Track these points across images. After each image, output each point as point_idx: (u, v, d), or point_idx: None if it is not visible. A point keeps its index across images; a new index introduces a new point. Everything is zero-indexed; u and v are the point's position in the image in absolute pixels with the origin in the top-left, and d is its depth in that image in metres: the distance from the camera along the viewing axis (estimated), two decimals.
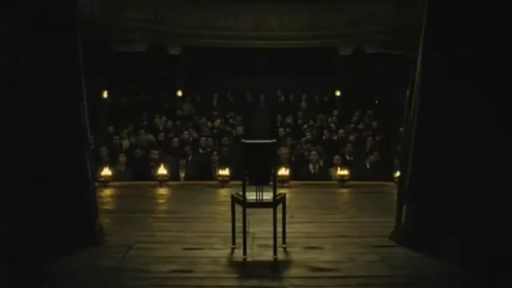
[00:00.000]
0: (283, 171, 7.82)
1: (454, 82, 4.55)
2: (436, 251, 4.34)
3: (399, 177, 5.12)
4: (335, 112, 13.44)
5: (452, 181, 4.51)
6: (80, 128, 4.86)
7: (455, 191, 4.49)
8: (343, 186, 7.84)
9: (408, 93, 5.01)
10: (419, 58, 4.82)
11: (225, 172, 7.87)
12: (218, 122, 12.56)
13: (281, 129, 11.86)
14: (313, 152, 8.97)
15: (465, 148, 4.48)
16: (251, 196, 4.34)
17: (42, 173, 4.55)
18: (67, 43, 4.81)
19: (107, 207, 6.91)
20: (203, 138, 10.47)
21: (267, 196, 4.35)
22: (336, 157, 8.83)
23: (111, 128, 11.53)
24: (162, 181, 7.86)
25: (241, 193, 4.36)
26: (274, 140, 4.54)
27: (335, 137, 11.45)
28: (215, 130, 12.02)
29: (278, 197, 4.42)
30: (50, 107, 4.69)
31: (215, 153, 9.23)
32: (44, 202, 4.52)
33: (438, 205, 4.55)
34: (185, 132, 11.15)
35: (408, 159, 4.82)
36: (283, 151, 9.10)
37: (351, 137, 10.80)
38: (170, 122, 12.45)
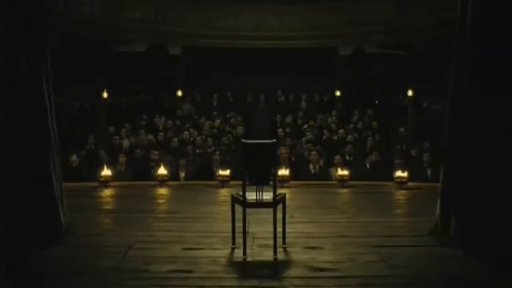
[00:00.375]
0: (283, 171, 7.82)
1: (498, 87, 4.52)
2: (482, 253, 4.34)
3: (442, 184, 5.01)
4: (334, 112, 13.45)
5: (500, 189, 4.50)
6: (47, 129, 4.85)
7: (502, 198, 4.49)
8: (343, 186, 7.84)
9: (448, 105, 4.97)
10: (456, 61, 4.79)
11: (225, 172, 7.87)
12: (217, 122, 12.58)
13: (281, 129, 11.86)
14: (313, 152, 8.98)
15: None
16: (251, 196, 4.34)
17: (5, 172, 4.58)
18: (31, 45, 4.78)
19: (107, 207, 6.92)
20: (199, 138, 10.49)
21: (267, 196, 4.35)
22: (337, 157, 8.83)
23: (111, 129, 11.54)
24: (162, 181, 7.87)
25: (241, 193, 4.36)
26: (274, 140, 4.53)
27: (335, 137, 11.46)
28: (214, 130, 12.04)
29: (278, 197, 4.42)
30: (14, 108, 4.69)
31: (217, 152, 9.23)
32: (6, 201, 4.55)
33: (485, 213, 4.54)
34: (185, 132, 11.17)
35: (453, 168, 4.81)
36: (283, 151, 9.11)
37: (350, 137, 10.80)
38: (170, 122, 12.46)
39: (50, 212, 4.85)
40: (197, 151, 9.97)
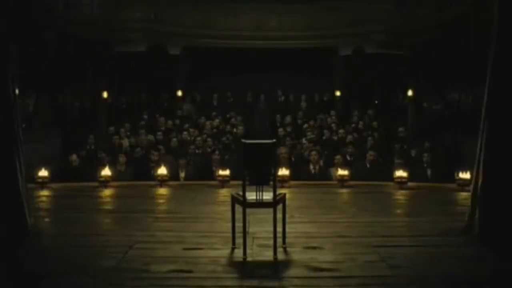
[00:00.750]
0: (283, 171, 7.82)
1: None
2: None
3: (481, 185, 4.98)
4: (333, 112, 13.48)
5: None
6: (12, 129, 4.87)
7: None
8: (343, 186, 7.84)
9: (484, 108, 4.96)
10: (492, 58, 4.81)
11: (225, 172, 7.87)
12: (217, 121, 12.60)
13: (281, 129, 11.87)
14: (313, 152, 8.98)
15: None
16: (251, 196, 4.34)
17: None
18: None
19: (107, 207, 6.92)
20: (199, 139, 10.50)
21: (267, 196, 4.35)
22: (337, 157, 8.83)
23: (112, 129, 11.56)
24: (162, 181, 7.86)
25: (241, 193, 4.36)
26: (274, 140, 4.53)
27: (335, 137, 11.46)
28: (214, 130, 12.05)
29: (278, 197, 4.41)
30: None
31: (216, 152, 9.23)
32: None
33: None
34: (184, 133, 11.17)
35: (491, 170, 4.84)
36: (283, 151, 9.11)
37: (349, 137, 10.81)
38: (170, 122, 12.47)
39: (16, 212, 4.86)
40: (197, 151, 9.97)
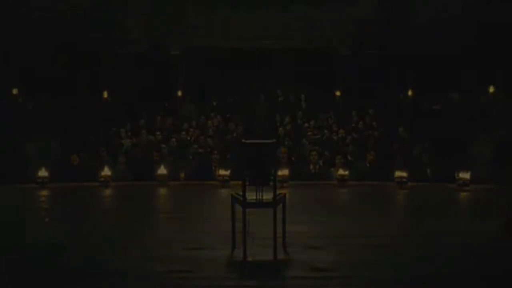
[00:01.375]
0: (283, 171, 7.82)
1: None
2: None
3: None
4: (331, 112, 13.47)
5: None
6: None
7: None
8: (343, 186, 7.84)
9: None
10: None
11: (225, 172, 7.87)
12: (216, 121, 12.60)
13: (281, 129, 11.87)
14: (313, 152, 8.98)
15: None
16: (251, 196, 4.34)
17: None
18: None
19: (107, 207, 6.93)
20: (202, 137, 10.51)
21: (267, 196, 4.35)
22: (338, 157, 8.83)
23: (114, 129, 11.55)
24: (162, 181, 7.86)
25: (241, 193, 4.36)
26: (274, 140, 4.53)
27: (335, 137, 11.46)
28: (213, 130, 12.05)
29: (278, 197, 4.42)
30: None
31: (216, 152, 9.24)
32: None
33: None
34: (183, 133, 11.17)
35: None
36: (282, 150, 9.11)
37: (349, 137, 10.80)
38: (170, 122, 12.48)
39: None
40: (200, 150, 9.97)
